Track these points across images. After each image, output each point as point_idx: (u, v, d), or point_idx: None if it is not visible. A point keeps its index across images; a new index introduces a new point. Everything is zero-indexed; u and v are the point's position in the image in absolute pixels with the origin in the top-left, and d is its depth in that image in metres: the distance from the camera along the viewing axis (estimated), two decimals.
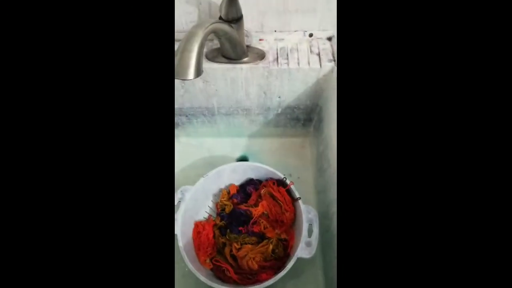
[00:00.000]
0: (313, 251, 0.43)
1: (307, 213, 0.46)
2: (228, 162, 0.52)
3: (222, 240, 0.48)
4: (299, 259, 0.42)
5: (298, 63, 0.45)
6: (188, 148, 0.62)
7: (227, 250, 0.47)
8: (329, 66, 0.45)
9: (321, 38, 0.47)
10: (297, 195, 0.47)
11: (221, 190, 0.54)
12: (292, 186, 0.48)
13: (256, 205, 0.50)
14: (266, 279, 0.42)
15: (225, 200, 0.52)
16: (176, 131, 0.62)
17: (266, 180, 0.52)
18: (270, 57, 0.46)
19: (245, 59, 0.45)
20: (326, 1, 0.42)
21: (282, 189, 0.49)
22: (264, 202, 0.50)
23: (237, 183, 0.54)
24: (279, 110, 0.54)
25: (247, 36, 0.46)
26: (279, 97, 0.51)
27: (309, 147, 0.61)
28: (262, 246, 0.46)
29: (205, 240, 0.48)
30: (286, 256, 0.46)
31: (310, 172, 0.58)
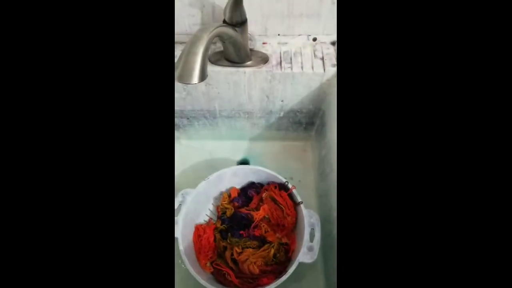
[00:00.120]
0: (315, 256, 0.42)
1: (309, 218, 0.45)
2: (229, 165, 0.52)
3: (223, 243, 0.48)
4: (301, 264, 0.42)
5: (302, 67, 0.45)
6: (189, 150, 0.62)
7: (228, 253, 0.47)
8: (333, 70, 0.45)
9: (324, 43, 0.47)
10: (299, 199, 0.47)
11: (222, 193, 0.53)
12: (294, 190, 0.48)
13: (257, 208, 0.50)
14: (267, 284, 0.42)
15: (226, 204, 0.52)
16: (177, 134, 0.61)
17: (268, 183, 0.51)
18: (273, 61, 0.46)
19: (249, 63, 0.45)
20: (331, 5, 0.42)
21: (284, 193, 0.49)
22: (265, 206, 0.49)
23: (238, 186, 0.54)
24: (282, 114, 0.54)
25: (250, 39, 0.46)
26: (282, 101, 0.51)
27: (311, 151, 0.60)
28: (264, 250, 0.46)
29: (206, 243, 0.48)
30: (288, 260, 0.46)
31: (312, 176, 0.57)
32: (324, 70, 0.45)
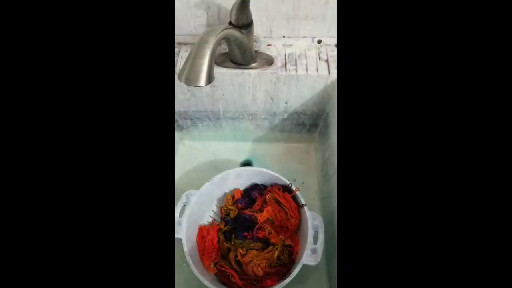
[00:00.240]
0: (319, 258, 0.43)
1: (313, 220, 0.45)
2: (233, 166, 0.52)
3: (226, 245, 0.48)
4: (304, 266, 0.42)
5: (307, 70, 0.45)
6: (192, 151, 0.62)
7: (231, 255, 0.47)
8: None
9: (329, 45, 0.47)
10: (302, 201, 0.47)
11: (225, 195, 0.54)
12: (297, 192, 0.48)
13: (261, 210, 0.50)
14: (271, 285, 0.42)
15: (229, 205, 0.52)
16: (181, 134, 0.61)
17: (271, 185, 0.51)
18: (278, 62, 0.46)
19: (253, 65, 0.45)
20: (336, 8, 0.42)
21: (288, 195, 0.49)
22: (269, 208, 0.50)
23: (242, 187, 0.54)
24: (285, 116, 0.54)
25: (255, 41, 0.46)
26: (286, 103, 0.51)
27: (314, 153, 0.61)
28: (268, 252, 0.46)
29: (210, 245, 0.48)
30: (291, 262, 0.46)
31: (315, 178, 0.58)
32: (329, 72, 0.45)
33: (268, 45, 0.47)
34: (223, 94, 0.49)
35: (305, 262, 0.42)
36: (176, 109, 0.54)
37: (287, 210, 0.49)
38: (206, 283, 0.41)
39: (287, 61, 0.46)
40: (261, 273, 0.45)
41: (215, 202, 0.54)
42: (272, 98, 0.50)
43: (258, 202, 0.51)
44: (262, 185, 0.53)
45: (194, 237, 0.48)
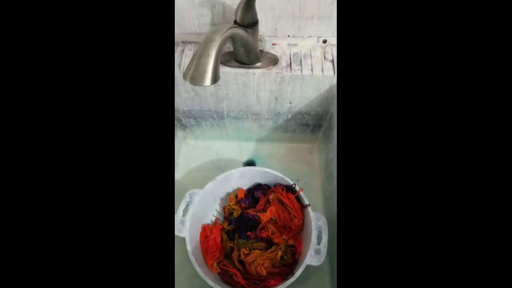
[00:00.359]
0: (322, 259, 0.42)
1: (316, 221, 0.45)
2: (236, 166, 0.52)
3: (230, 244, 0.48)
4: (307, 266, 0.42)
5: (312, 70, 0.45)
6: (195, 150, 0.62)
7: (235, 254, 0.47)
8: None
9: (335, 45, 0.47)
10: (306, 202, 0.47)
11: (228, 194, 0.53)
12: (301, 193, 0.48)
13: (264, 210, 0.50)
14: (274, 285, 0.42)
15: (233, 205, 0.52)
16: (184, 133, 0.61)
17: (275, 185, 0.51)
18: (283, 62, 0.45)
19: (258, 64, 0.45)
20: None
21: (291, 195, 0.49)
22: (272, 208, 0.49)
23: (245, 187, 0.54)
24: (289, 116, 0.54)
25: (260, 40, 0.46)
26: (290, 103, 0.51)
27: (318, 153, 0.60)
28: (271, 252, 0.46)
29: (213, 244, 0.48)
30: (295, 262, 0.46)
31: (318, 179, 0.57)
32: (334, 72, 0.45)
33: (273, 44, 0.47)
34: (227, 94, 0.49)
35: (308, 263, 0.42)
36: (179, 108, 0.53)
37: (291, 210, 0.49)
38: (210, 282, 0.41)
39: (292, 61, 0.46)
40: (264, 273, 0.44)
41: (218, 202, 0.54)
42: (276, 98, 0.50)
43: (262, 202, 0.51)
44: (265, 185, 0.53)
45: (197, 236, 0.48)
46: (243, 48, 0.41)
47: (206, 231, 0.49)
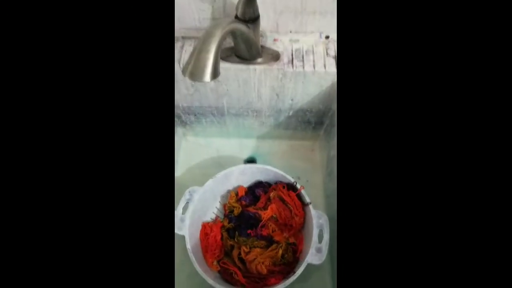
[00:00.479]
0: (323, 257, 0.42)
1: (318, 219, 0.45)
2: (236, 163, 0.51)
3: (230, 242, 0.48)
4: (308, 264, 0.42)
5: (314, 66, 0.44)
6: (195, 147, 0.61)
7: (235, 253, 0.47)
8: None
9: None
10: (307, 200, 0.47)
11: (229, 192, 0.53)
12: (302, 191, 0.47)
13: (265, 208, 0.50)
14: (275, 284, 0.42)
15: (233, 202, 0.51)
16: (184, 130, 0.61)
17: (276, 183, 0.51)
18: (284, 58, 0.45)
19: (259, 60, 0.44)
20: None
21: (292, 193, 0.48)
22: (273, 206, 0.49)
23: (246, 185, 0.53)
24: (291, 113, 0.53)
25: (261, 36, 0.45)
26: (292, 100, 0.50)
27: (319, 151, 0.60)
28: (272, 250, 0.46)
29: (213, 242, 0.48)
30: (295, 261, 0.46)
31: (320, 176, 0.57)
32: (337, 68, 0.44)
33: (275, 40, 0.46)
34: (227, 90, 0.48)
35: (309, 261, 0.42)
36: (179, 104, 0.53)
37: (292, 208, 0.48)
38: (210, 280, 0.40)
39: (293, 57, 0.45)
40: (265, 271, 0.44)
41: (219, 199, 0.53)
42: (277, 95, 0.49)
43: (262, 199, 0.51)
44: (266, 182, 0.52)
45: (197, 234, 0.48)
46: (244, 43, 0.40)
47: (206, 229, 0.49)
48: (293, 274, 0.41)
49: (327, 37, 0.46)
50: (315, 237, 0.43)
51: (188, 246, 0.43)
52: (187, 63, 0.31)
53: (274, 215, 0.49)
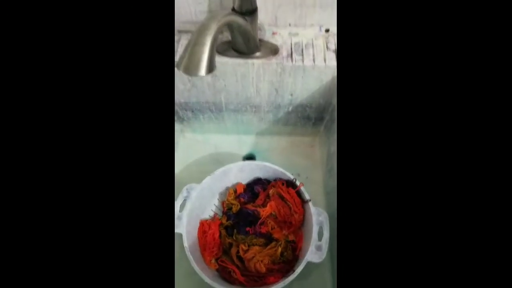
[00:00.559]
0: (324, 255, 0.41)
1: (318, 216, 0.44)
2: (235, 160, 0.50)
3: (228, 240, 0.47)
4: (308, 262, 0.41)
5: (314, 60, 0.43)
6: (193, 144, 0.60)
7: (233, 250, 0.46)
8: None
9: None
10: (307, 197, 0.46)
11: (227, 189, 0.52)
12: (302, 188, 0.46)
13: (264, 205, 0.49)
14: (274, 282, 0.41)
15: (232, 199, 0.50)
16: (182, 126, 0.60)
17: (275, 180, 0.50)
18: (283, 52, 0.43)
19: (257, 54, 0.43)
20: None
21: (292, 190, 0.48)
22: (272, 203, 0.48)
23: (244, 182, 0.53)
24: (290, 108, 0.52)
25: (260, 29, 0.44)
26: (291, 95, 0.49)
27: (319, 147, 0.59)
28: (271, 248, 0.45)
29: (211, 240, 0.47)
30: (295, 259, 0.45)
31: (320, 173, 0.56)
32: (337, 63, 0.43)
33: (273, 33, 0.45)
34: (225, 85, 0.47)
35: (309, 259, 0.41)
36: (176, 100, 0.52)
37: (291, 205, 0.47)
38: (207, 280, 0.40)
39: (293, 50, 0.44)
40: (263, 269, 0.43)
41: (217, 196, 0.52)
42: (276, 90, 0.48)
43: (261, 196, 0.50)
44: (265, 179, 0.51)
45: (194, 232, 0.47)
46: (242, 37, 0.39)
47: (204, 227, 0.48)
48: (292, 273, 0.40)
49: (327, 31, 0.45)
50: (315, 235, 0.43)
51: (186, 244, 0.42)
52: (182, 57, 0.29)
53: (273, 213, 0.48)
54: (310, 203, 0.45)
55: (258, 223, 0.47)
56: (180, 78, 0.47)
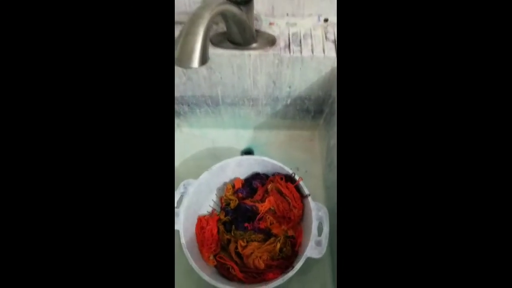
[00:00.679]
0: (323, 251, 0.41)
1: (317, 211, 0.43)
2: (233, 155, 0.49)
3: (226, 236, 0.46)
4: (307, 258, 0.40)
5: (312, 51, 0.41)
6: (190, 139, 0.59)
7: (232, 247, 0.45)
8: None
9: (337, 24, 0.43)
10: (306, 191, 0.45)
11: (225, 184, 0.51)
12: (301, 182, 0.46)
13: (262, 200, 0.48)
14: (273, 278, 0.40)
15: (230, 195, 0.50)
16: (178, 121, 0.59)
17: (273, 174, 0.49)
18: (281, 43, 0.42)
19: (254, 45, 0.42)
20: None
21: (291, 185, 0.47)
22: (271, 198, 0.47)
23: (242, 177, 0.52)
24: (288, 101, 0.51)
25: (256, 19, 0.43)
26: (289, 87, 0.47)
27: (318, 141, 0.58)
28: (269, 244, 0.44)
29: (209, 236, 0.46)
30: (294, 255, 0.44)
31: (319, 167, 0.55)
32: (336, 54, 0.41)
33: (270, 23, 0.44)
34: (221, 78, 0.46)
35: (309, 255, 0.40)
36: None
37: (290, 200, 0.47)
38: (205, 277, 0.39)
39: (290, 41, 0.42)
40: (262, 266, 0.43)
41: (215, 192, 0.52)
42: (274, 82, 0.47)
43: (260, 192, 0.49)
44: (263, 174, 0.51)
45: (192, 228, 0.46)
46: (237, 27, 0.38)
47: (202, 222, 0.47)
48: (291, 269, 0.40)
49: (326, 20, 0.43)
50: (314, 230, 0.42)
51: (183, 241, 0.42)
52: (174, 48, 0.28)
53: (272, 208, 0.47)
54: (309, 198, 0.44)
55: (257, 218, 0.47)
56: (176, 71, 0.46)
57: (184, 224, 0.43)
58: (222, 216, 0.48)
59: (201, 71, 0.45)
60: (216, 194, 0.52)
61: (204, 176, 0.46)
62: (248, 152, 0.57)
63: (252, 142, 0.59)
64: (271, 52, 0.42)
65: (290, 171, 0.46)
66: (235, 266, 0.43)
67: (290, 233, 0.46)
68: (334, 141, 0.48)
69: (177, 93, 0.50)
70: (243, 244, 0.45)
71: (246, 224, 0.47)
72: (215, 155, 0.56)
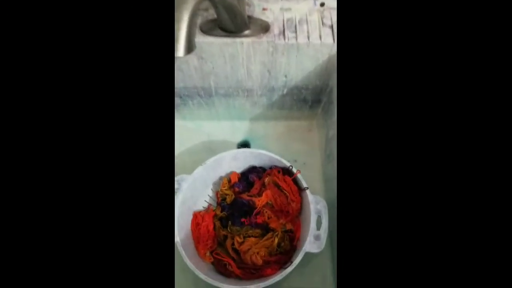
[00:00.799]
0: (322, 245, 0.40)
1: (316, 204, 0.42)
2: (229, 148, 0.48)
3: (223, 232, 0.45)
4: (306, 253, 0.39)
5: (308, 37, 0.39)
6: (184, 132, 0.57)
7: (228, 243, 0.44)
8: None
9: (334, 8, 0.41)
10: (304, 184, 0.43)
11: (221, 178, 0.50)
12: (298, 175, 0.44)
13: (259, 194, 0.47)
14: (271, 274, 0.39)
15: (225, 190, 0.48)
16: None
17: (270, 168, 0.47)
18: (275, 29, 0.40)
19: (247, 32, 0.39)
20: None
21: (288, 178, 0.45)
22: (268, 192, 0.46)
23: (239, 170, 0.50)
24: (285, 91, 0.49)
25: (248, 4, 0.40)
26: (285, 76, 0.45)
27: (317, 131, 0.56)
28: (267, 239, 0.43)
29: (205, 232, 0.45)
30: (293, 249, 0.43)
31: (317, 158, 0.54)
32: (334, 40, 0.39)
33: (263, 9, 0.41)
34: (213, 68, 0.44)
35: (307, 250, 0.39)
36: None
37: (288, 194, 0.45)
38: (201, 275, 0.38)
39: (285, 27, 0.40)
40: (260, 262, 0.42)
41: (211, 187, 0.50)
42: (269, 71, 0.45)
43: (257, 186, 0.48)
44: (260, 167, 0.49)
45: (187, 225, 0.45)
46: (227, 12, 0.35)
47: (197, 218, 0.46)
48: (290, 264, 0.39)
49: (322, 5, 0.41)
50: (313, 224, 0.41)
51: (177, 239, 0.40)
52: None
53: (269, 202, 0.46)
54: (307, 191, 0.43)
55: (254, 213, 0.45)
56: None
57: (179, 221, 0.42)
58: (218, 212, 0.47)
59: (191, 61, 0.43)
60: (212, 189, 0.50)
61: (198, 171, 0.45)
62: (244, 145, 0.56)
63: (249, 134, 0.57)
64: (265, 39, 0.39)
65: (288, 164, 0.45)
66: (232, 263, 0.42)
67: (289, 227, 0.45)
68: (332, 131, 0.46)
69: None
70: (239, 240, 0.44)
71: (243, 219, 0.45)
72: (211, 149, 0.55)
